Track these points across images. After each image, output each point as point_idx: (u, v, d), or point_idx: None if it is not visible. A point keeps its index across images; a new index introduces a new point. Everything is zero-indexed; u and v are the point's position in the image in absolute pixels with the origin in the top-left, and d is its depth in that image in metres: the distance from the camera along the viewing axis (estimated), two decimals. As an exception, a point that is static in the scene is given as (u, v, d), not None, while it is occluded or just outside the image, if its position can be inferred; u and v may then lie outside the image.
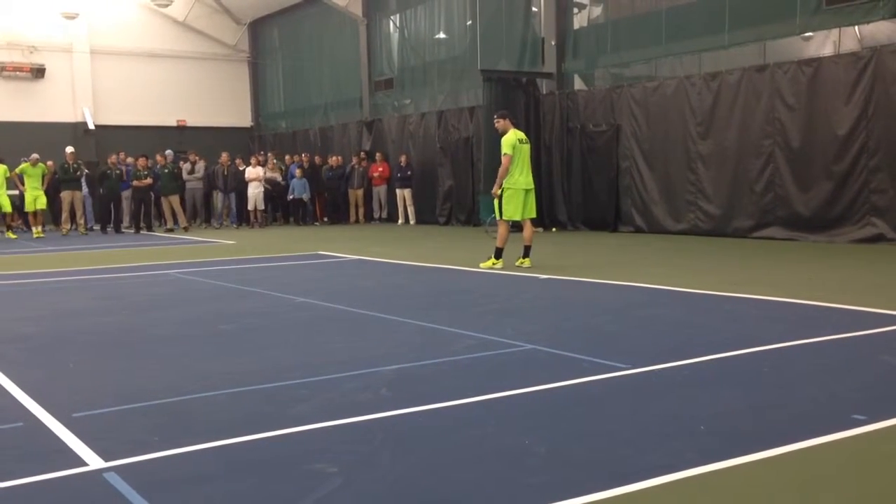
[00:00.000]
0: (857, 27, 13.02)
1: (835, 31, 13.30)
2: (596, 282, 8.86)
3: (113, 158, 20.23)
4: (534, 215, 10.29)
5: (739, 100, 13.77)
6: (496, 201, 10.24)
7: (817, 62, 12.90)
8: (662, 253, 12.09)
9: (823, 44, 13.70)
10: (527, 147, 10.19)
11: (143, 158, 20.08)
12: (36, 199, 18.84)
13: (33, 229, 19.04)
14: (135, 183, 19.85)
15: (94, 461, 3.42)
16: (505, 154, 10.03)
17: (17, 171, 19.05)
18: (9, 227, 18.73)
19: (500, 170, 10.09)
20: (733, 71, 13.94)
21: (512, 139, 10.02)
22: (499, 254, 10.13)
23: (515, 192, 9.99)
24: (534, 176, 10.58)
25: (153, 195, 20.48)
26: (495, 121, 10.47)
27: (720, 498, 2.95)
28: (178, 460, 3.46)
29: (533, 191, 10.20)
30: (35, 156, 18.97)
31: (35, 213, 19.09)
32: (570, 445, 3.54)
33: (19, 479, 3.24)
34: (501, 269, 9.99)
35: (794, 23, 13.16)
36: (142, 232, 19.74)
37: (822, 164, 12.67)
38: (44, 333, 6.60)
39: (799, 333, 5.72)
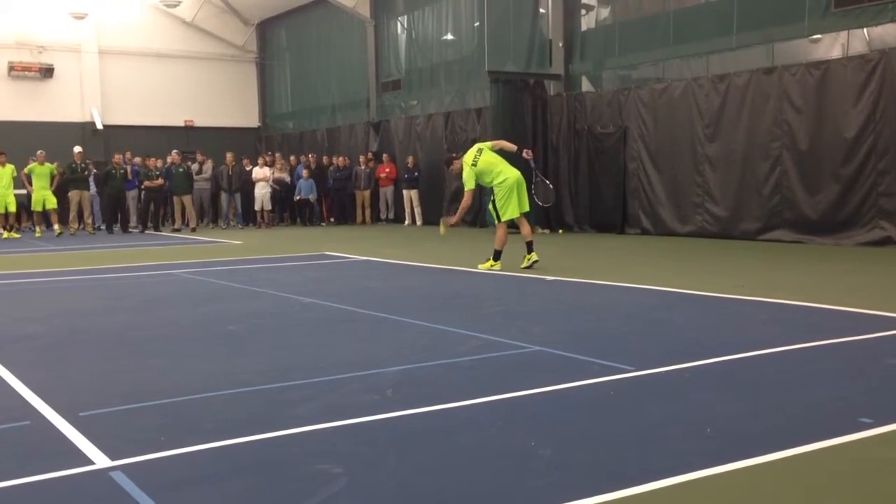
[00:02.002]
0: (865, 29, 12.96)
1: (843, 34, 13.23)
2: (602, 284, 8.85)
3: (117, 158, 20.26)
4: (527, 209, 10.12)
5: (747, 102, 13.74)
6: (491, 206, 10.24)
7: (825, 64, 12.86)
8: (669, 255, 12.07)
9: (832, 46, 13.65)
10: (486, 155, 10.00)
11: (153, 159, 20.18)
12: (44, 199, 18.94)
13: (37, 228, 19.17)
14: (147, 183, 19.94)
15: (100, 460, 3.44)
16: (467, 190, 10.08)
17: (25, 170, 19.14)
18: (11, 228, 18.81)
19: (462, 204, 10.28)
20: (741, 73, 13.91)
21: (466, 172, 9.98)
22: (497, 256, 10.13)
23: (509, 189, 9.90)
24: (539, 176, 10.63)
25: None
26: (451, 171, 10.75)
27: (725, 501, 2.95)
28: (184, 460, 3.47)
29: (523, 181, 10.05)
30: (41, 153, 19.06)
31: (44, 213, 19.18)
32: (575, 447, 3.54)
33: (26, 477, 3.25)
34: (500, 270, 9.99)
35: (802, 25, 13.13)
36: (148, 231, 19.81)
37: (829, 166, 12.63)
38: (51, 332, 6.62)
39: (805, 336, 5.70)
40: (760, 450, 3.36)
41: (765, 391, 4.37)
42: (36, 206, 19.10)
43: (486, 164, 9.98)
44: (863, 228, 12.29)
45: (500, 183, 9.93)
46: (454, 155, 11.01)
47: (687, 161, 14.77)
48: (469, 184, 10.01)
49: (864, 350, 5.39)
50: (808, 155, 12.90)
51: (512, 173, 9.97)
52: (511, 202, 9.90)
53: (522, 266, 10.01)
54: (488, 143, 10.37)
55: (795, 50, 13.95)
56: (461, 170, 10.15)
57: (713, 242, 13.66)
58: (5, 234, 18.43)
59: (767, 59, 13.97)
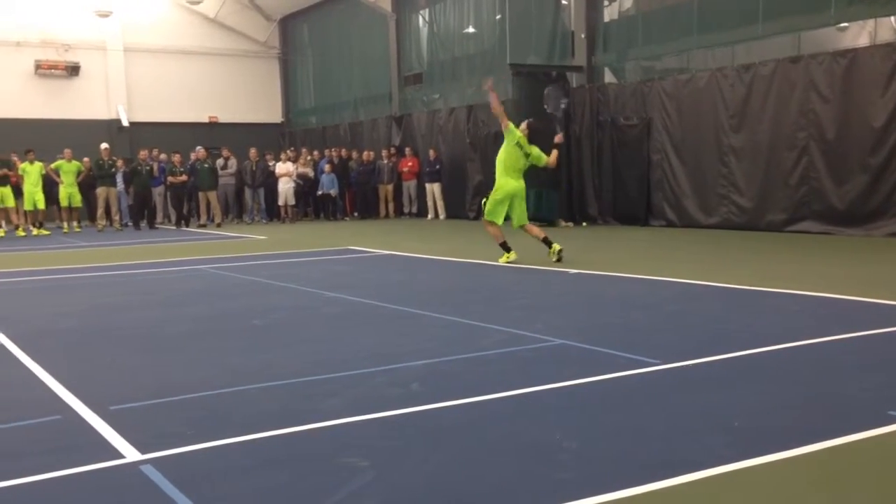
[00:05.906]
0: (893, 18, 12.77)
1: (870, 22, 13.03)
2: (627, 276, 8.81)
3: (143, 154, 20.42)
4: (525, 222, 10.21)
5: (773, 92, 13.60)
6: (484, 199, 10.29)
7: (852, 53, 12.69)
8: (694, 247, 11.99)
9: (859, 34, 13.46)
10: (524, 149, 10.03)
11: (178, 155, 20.35)
12: (70, 195, 19.32)
13: (64, 224, 19.56)
14: (170, 179, 20.12)
15: (130, 454, 3.48)
16: (508, 130, 9.97)
17: (52, 166, 19.43)
18: (41, 225, 19.07)
19: (497, 107, 10.10)
20: (767, 62, 13.76)
21: (515, 130, 10.02)
22: (505, 247, 10.23)
23: (505, 194, 9.97)
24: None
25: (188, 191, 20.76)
26: (526, 127, 10.59)
27: (752, 494, 2.93)
28: (212, 453, 3.50)
29: (523, 194, 10.09)
30: (67, 151, 19.49)
31: (70, 210, 19.57)
32: (601, 441, 3.53)
33: (58, 471, 3.30)
34: (517, 262, 10.01)
35: (828, 13, 12.96)
36: (168, 227, 20.02)
37: (857, 156, 12.47)
38: (80, 328, 6.71)
39: (834, 329, 5.65)
40: (788, 443, 3.33)
41: (793, 384, 4.34)
42: (63, 203, 19.46)
43: (514, 154, 10.02)
44: (893, 219, 12.13)
45: (501, 184, 10.05)
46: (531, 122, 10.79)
47: (712, 152, 14.65)
48: (508, 126, 9.94)
49: (895, 343, 5.33)
50: (836, 145, 12.75)
51: (513, 183, 10.02)
52: (500, 209, 10.01)
53: (554, 260, 9.91)
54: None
55: (822, 38, 13.77)
56: (526, 131, 10.13)
57: (739, 234, 13.54)
58: (35, 231, 18.69)
59: (793, 48, 13.80)
